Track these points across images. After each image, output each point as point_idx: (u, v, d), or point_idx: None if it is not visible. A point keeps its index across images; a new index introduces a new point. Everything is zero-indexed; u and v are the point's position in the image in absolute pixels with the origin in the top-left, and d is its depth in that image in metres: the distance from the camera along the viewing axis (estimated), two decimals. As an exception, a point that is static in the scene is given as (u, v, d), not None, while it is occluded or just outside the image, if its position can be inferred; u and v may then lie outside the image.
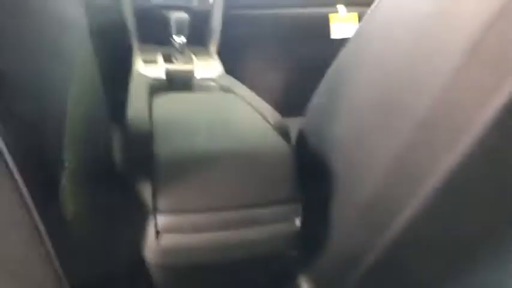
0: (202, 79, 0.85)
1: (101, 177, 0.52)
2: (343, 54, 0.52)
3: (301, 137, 0.60)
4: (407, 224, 0.40)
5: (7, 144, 0.29)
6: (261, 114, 0.57)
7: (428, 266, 0.49)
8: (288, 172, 0.46)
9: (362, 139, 0.44)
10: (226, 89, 0.77)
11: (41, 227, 0.33)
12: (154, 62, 0.85)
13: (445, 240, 0.45)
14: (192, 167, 0.43)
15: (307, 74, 0.68)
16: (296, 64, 1.16)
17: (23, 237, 0.34)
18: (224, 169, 0.43)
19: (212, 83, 0.84)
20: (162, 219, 0.42)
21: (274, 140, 0.49)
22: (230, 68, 0.91)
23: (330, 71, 0.54)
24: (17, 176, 0.30)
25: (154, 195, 0.42)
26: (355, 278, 0.49)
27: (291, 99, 0.83)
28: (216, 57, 0.95)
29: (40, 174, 0.34)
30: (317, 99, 0.57)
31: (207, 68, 0.88)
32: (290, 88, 1.15)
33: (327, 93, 0.54)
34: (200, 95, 0.71)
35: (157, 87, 0.75)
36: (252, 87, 0.74)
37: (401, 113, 0.38)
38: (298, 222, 0.47)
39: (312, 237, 0.54)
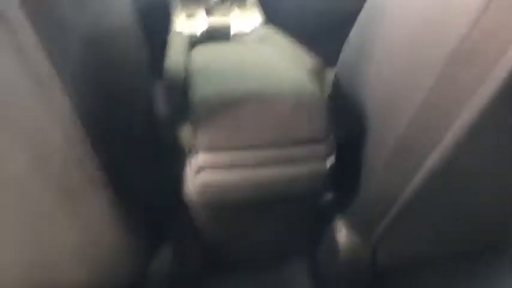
0: (242, 30, 0.85)
1: (148, 126, 0.56)
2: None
3: (336, 80, 0.60)
4: (436, 168, 0.40)
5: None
6: (298, 60, 0.57)
7: (459, 214, 0.49)
8: (319, 113, 0.47)
9: (393, 79, 0.44)
10: (265, 39, 0.77)
11: (95, 171, 0.37)
12: (194, 15, 0.86)
13: (477, 188, 0.44)
14: (229, 108, 0.45)
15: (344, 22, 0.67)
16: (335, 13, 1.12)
17: (88, 176, 0.37)
18: (259, 110, 0.45)
19: (251, 34, 0.84)
20: (200, 157, 0.45)
21: (307, 82, 0.49)
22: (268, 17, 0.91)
23: (363, 12, 0.53)
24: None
25: (193, 135, 0.44)
26: (388, 221, 0.50)
27: (329, 49, 0.82)
28: (256, 7, 0.94)
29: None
30: (350, 43, 0.56)
31: (247, 19, 0.88)
32: (327, 37, 1.12)
33: (359, 36, 0.54)
34: (238, 44, 0.72)
35: (196, 40, 0.77)
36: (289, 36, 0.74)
37: (431, 49, 0.37)
38: (330, 161, 0.48)
39: (347, 180, 0.56)
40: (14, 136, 0.32)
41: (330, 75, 0.63)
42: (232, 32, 0.86)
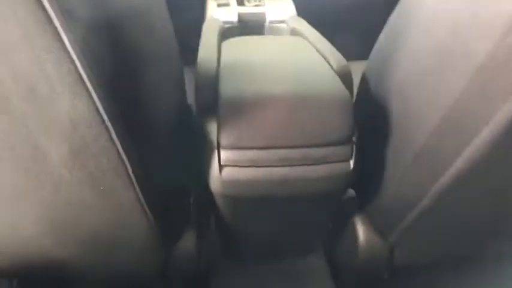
0: (274, 21, 0.86)
1: (177, 117, 0.58)
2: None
3: (364, 80, 0.60)
4: (461, 173, 0.40)
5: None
6: (326, 58, 0.57)
7: (481, 216, 0.49)
8: (344, 115, 0.47)
9: (421, 84, 0.43)
10: (296, 32, 0.78)
11: (124, 157, 0.40)
12: (227, 4, 0.87)
13: (497, 193, 0.44)
14: (254, 107, 0.46)
15: (376, 15, 0.66)
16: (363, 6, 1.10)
17: (111, 164, 0.40)
18: (283, 110, 0.46)
19: (283, 26, 0.84)
20: (224, 154, 0.47)
21: (334, 84, 0.50)
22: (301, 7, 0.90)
23: (393, 15, 0.52)
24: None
25: (218, 132, 0.46)
26: (408, 222, 0.51)
27: (359, 41, 0.81)
28: None
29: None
30: (380, 43, 0.56)
31: (279, 9, 0.88)
32: (358, 30, 1.10)
33: (389, 37, 0.53)
34: (268, 38, 0.73)
35: (228, 31, 0.79)
36: (321, 26, 0.73)
37: (460, 57, 0.37)
38: (352, 163, 0.49)
39: (369, 179, 0.56)
40: (52, 132, 0.35)
41: (359, 68, 0.63)
42: (266, 23, 0.86)
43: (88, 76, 0.32)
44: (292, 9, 0.90)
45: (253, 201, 0.53)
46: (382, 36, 0.56)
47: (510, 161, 0.40)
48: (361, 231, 0.60)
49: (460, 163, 0.39)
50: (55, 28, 0.29)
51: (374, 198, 0.57)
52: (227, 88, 0.48)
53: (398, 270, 0.63)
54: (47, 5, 0.28)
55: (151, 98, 0.47)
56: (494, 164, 0.39)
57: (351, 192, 0.63)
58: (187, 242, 0.60)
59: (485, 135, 0.36)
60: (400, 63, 0.48)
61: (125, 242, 0.53)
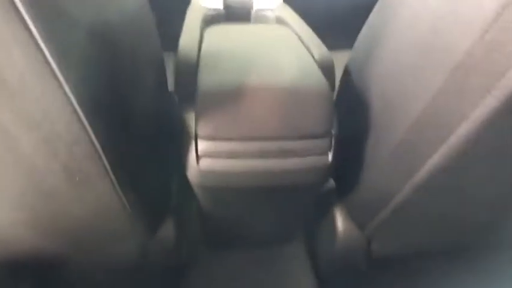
0: (260, 9, 0.84)
1: (156, 105, 0.57)
2: None
3: (347, 72, 0.60)
4: (436, 169, 0.40)
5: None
6: (309, 48, 0.57)
7: (456, 213, 0.50)
8: (324, 108, 0.47)
9: (400, 79, 0.43)
10: (281, 21, 0.76)
11: (98, 146, 0.39)
12: None
13: (474, 190, 0.45)
14: (232, 97, 0.45)
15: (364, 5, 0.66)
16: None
17: (85, 153, 0.39)
18: (262, 101, 0.45)
19: (269, 13, 0.83)
20: (201, 145, 0.46)
21: (314, 76, 0.50)
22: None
23: (375, 9, 0.52)
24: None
25: (196, 122, 0.46)
26: (384, 215, 0.51)
27: (346, 31, 0.81)
28: None
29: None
30: (363, 35, 0.56)
31: None
32: (345, 19, 1.09)
33: (371, 30, 0.53)
34: (251, 27, 0.72)
35: (213, 18, 0.77)
36: (309, 14, 0.72)
37: (439, 54, 0.37)
38: (330, 156, 0.49)
39: (348, 171, 0.56)
40: (22, 120, 0.34)
41: (345, 58, 0.63)
42: (252, 10, 0.84)
43: (57, 64, 0.31)
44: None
45: (231, 192, 0.53)
46: (364, 29, 0.56)
47: (486, 158, 0.40)
48: (340, 221, 0.60)
49: (436, 159, 0.40)
50: (21, 15, 0.28)
51: (352, 190, 0.57)
52: (206, 78, 0.48)
53: (376, 261, 0.63)
54: None
55: (127, 85, 0.46)
56: (470, 161, 0.40)
57: (331, 182, 0.63)
58: (167, 231, 0.60)
59: (462, 132, 0.36)
60: (381, 57, 0.48)
61: (103, 230, 0.53)
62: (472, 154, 0.38)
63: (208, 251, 0.74)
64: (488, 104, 0.33)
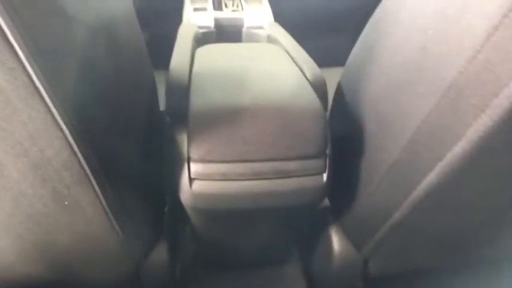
0: (251, 27, 0.85)
1: (147, 126, 0.57)
2: (380, 9, 0.50)
3: (339, 90, 0.60)
4: (433, 187, 0.40)
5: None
6: (301, 67, 0.57)
7: (454, 230, 0.49)
8: (318, 129, 0.47)
9: (394, 98, 0.43)
10: (272, 39, 0.77)
11: (88, 172, 0.38)
12: (203, 9, 0.86)
13: (470, 208, 0.44)
14: (225, 118, 0.45)
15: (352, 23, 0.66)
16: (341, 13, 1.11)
17: (75, 179, 0.38)
18: (255, 122, 0.45)
19: (260, 32, 0.84)
20: (194, 167, 0.45)
21: (307, 95, 0.49)
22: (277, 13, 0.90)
23: (368, 26, 0.52)
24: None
25: (188, 145, 0.45)
26: (381, 234, 0.51)
27: (335, 48, 0.81)
28: (266, 3, 0.93)
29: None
30: (355, 53, 0.56)
31: (256, 15, 0.87)
32: (335, 36, 1.11)
33: (363, 49, 0.53)
34: (243, 46, 0.72)
35: (204, 37, 0.77)
36: (297, 33, 0.73)
37: (432, 73, 0.37)
38: (325, 176, 0.49)
39: (343, 190, 0.56)
40: (9, 146, 0.33)
41: (336, 75, 0.63)
42: (243, 28, 0.85)
43: (45, 89, 0.30)
44: (269, 15, 0.89)
45: (225, 214, 0.52)
46: (357, 46, 0.56)
47: (482, 175, 0.40)
48: (336, 242, 0.59)
49: (432, 177, 0.39)
50: (7, 39, 0.27)
51: (348, 210, 0.56)
52: (198, 99, 0.47)
53: (373, 279, 0.62)
54: None
55: (117, 108, 0.45)
56: (466, 178, 0.39)
57: (326, 202, 0.62)
58: (160, 253, 0.59)
59: (457, 150, 0.36)
60: (374, 75, 0.48)
61: (94, 254, 0.52)
62: (468, 172, 0.38)
63: (201, 272, 0.72)
64: (482, 123, 0.33)
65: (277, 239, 0.65)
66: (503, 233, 0.54)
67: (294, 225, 0.63)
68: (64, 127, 0.33)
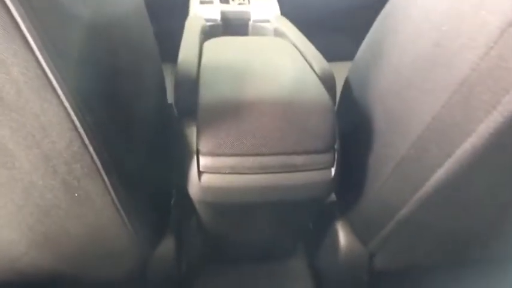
0: (258, 21, 0.84)
1: (156, 119, 0.57)
2: (389, 5, 0.49)
3: (347, 85, 0.60)
4: (441, 184, 0.40)
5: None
6: (309, 61, 0.57)
7: (462, 227, 0.49)
8: (326, 123, 0.47)
9: (403, 94, 0.43)
10: (279, 33, 0.77)
11: (98, 164, 0.38)
12: (210, 2, 0.85)
13: (479, 204, 0.44)
14: (234, 112, 0.45)
15: (362, 16, 0.66)
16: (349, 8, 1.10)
17: (85, 171, 0.39)
18: (264, 116, 0.45)
19: (267, 25, 0.83)
20: (203, 160, 0.45)
21: (316, 89, 0.49)
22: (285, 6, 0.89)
23: (377, 22, 0.52)
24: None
25: (197, 138, 0.45)
26: (388, 230, 0.51)
27: (344, 42, 0.81)
28: None
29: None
30: (364, 48, 0.55)
31: (263, 8, 0.87)
32: (343, 30, 1.10)
33: (373, 44, 0.53)
34: (251, 40, 0.72)
35: (211, 29, 0.77)
36: (304, 27, 0.73)
37: (444, 69, 0.36)
38: (333, 171, 0.49)
39: (350, 185, 0.56)
40: (21, 137, 0.33)
41: (344, 69, 0.63)
42: (250, 22, 0.85)
43: (58, 81, 0.30)
44: (276, 8, 0.88)
45: (233, 207, 0.52)
46: (366, 42, 0.56)
47: (491, 172, 0.40)
48: (342, 236, 0.59)
49: (441, 174, 0.39)
50: (21, 31, 0.27)
51: (355, 205, 0.56)
52: (207, 93, 0.47)
53: (379, 275, 0.63)
54: (12, 8, 0.26)
55: (127, 101, 0.45)
56: (475, 175, 0.39)
57: (333, 197, 0.62)
58: (167, 246, 0.59)
59: (467, 147, 0.36)
60: (383, 71, 0.48)
61: (102, 247, 0.52)
62: (477, 168, 0.38)
63: (207, 266, 0.73)
64: (493, 119, 0.33)
65: (283, 233, 0.66)
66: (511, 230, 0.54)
67: (301, 220, 0.63)
68: (75, 119, 0.33)
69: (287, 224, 0.63)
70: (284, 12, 0.88)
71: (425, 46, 0.39)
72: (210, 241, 0.68)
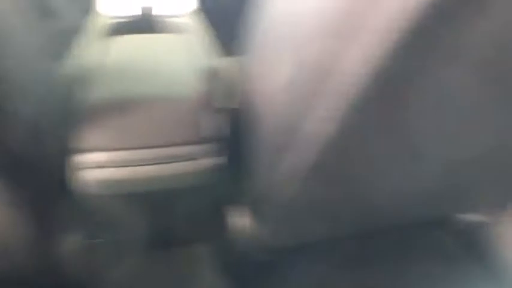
0: (164, 16, 0.85)
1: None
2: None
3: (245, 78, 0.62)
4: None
5: None
6: (200, 58, 0.60)
7: (354, 192, 0.52)
8: (196, 116, 0.50)
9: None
10: (183, 30, 0.79)
11: None
12: None
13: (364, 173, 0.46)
14: (114, 110, 0.48)
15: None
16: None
17: None
18: (143, 112, 0.48)
19: (174, 22, 0.85)
20: (83, 157, 0.48)
21: (191, 86, 0.53)
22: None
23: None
24: None
25: (78, 135, 0.47)
26: (282, 208, 0.54)
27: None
28: None
29: None
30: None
31: (172, 4, 0.88)
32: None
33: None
34: (148, 38, 0.73)
35: (115, 28, 0.77)
36: (221, 21, 0.74)
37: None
38: (212, 160, 0.52)
39: (241, 173, 0.60)
40: None
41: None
42: (155, 18, 0.85)
43: None
44: (185, 5, 0.89)
45: (119, 199, 0.54)
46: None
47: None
48: (237, 219, 0.63)
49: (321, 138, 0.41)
50: None
51: (247, 189, 0.60)
52: (91, 91, 0.49)
53: (278, 252, 0.67)
54: None
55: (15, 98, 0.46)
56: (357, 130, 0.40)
57: (227, 183, 0.66)
58: (69, 244, 0.60)
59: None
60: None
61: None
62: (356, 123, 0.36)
63: (113, 255, 0.74)
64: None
65: (181, 220, 0.69)
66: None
67: (195, 207, 0.66)
68: None
69: (182, 211, 0.66)
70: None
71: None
72: (110, 233, 0.69)
